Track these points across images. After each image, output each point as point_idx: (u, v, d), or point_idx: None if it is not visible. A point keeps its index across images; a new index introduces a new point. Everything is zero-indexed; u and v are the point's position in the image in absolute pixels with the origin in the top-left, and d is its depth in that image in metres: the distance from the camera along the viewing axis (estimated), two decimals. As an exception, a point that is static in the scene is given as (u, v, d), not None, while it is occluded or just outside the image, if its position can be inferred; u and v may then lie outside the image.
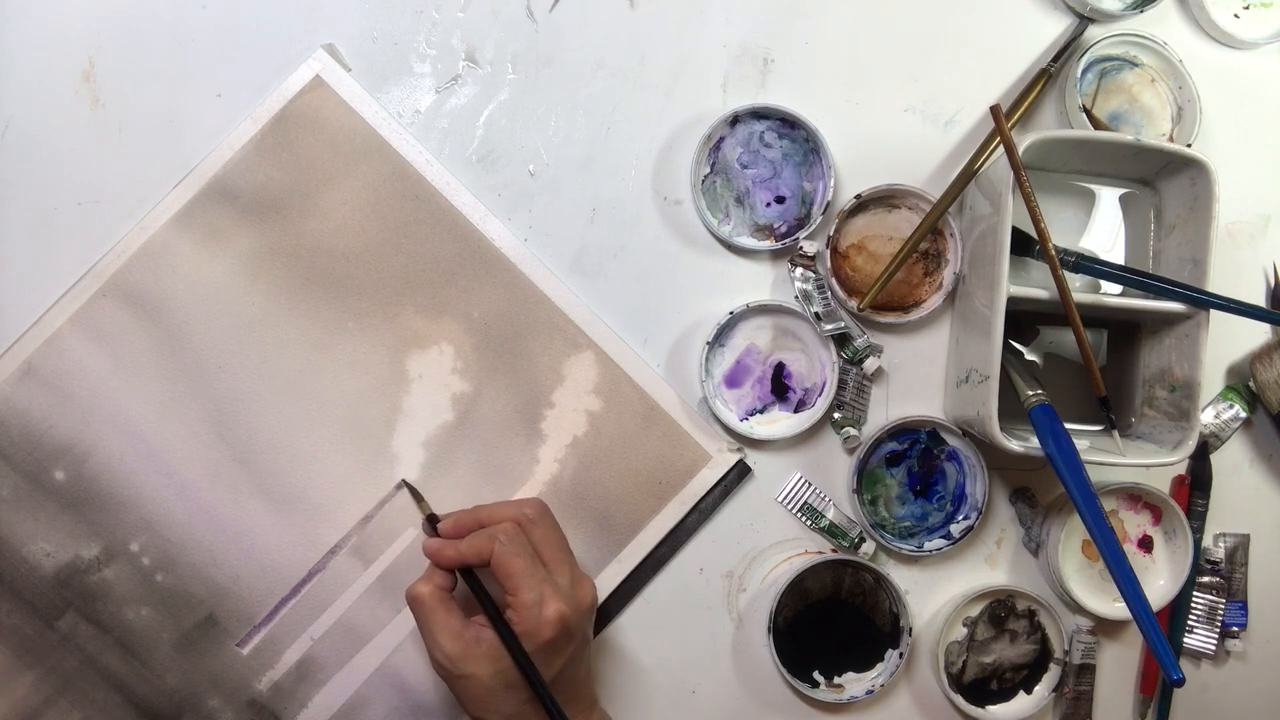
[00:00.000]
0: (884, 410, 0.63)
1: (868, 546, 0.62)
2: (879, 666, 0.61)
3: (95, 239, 0.59)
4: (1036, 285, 0.57)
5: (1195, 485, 0.64)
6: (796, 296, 0.61)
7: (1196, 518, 0.64)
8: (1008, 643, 0.62)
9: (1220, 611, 0.64)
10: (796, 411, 0.62)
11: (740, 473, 0.62)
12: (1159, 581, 0.62)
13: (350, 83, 0.60)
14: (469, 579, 0.54)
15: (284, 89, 0.60)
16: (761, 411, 0.62)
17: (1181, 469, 0.65)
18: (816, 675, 0.61)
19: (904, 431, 0.62)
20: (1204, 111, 0.63)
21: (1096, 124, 0.62)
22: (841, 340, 0.61)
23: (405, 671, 0.60)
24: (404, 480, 0.60)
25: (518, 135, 0.62)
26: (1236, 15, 0.65)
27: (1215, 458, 0.65)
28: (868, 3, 0.64)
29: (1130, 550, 0.63)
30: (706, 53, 0.63)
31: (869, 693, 0.60)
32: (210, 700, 0.59)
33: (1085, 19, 0.64)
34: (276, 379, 0.60)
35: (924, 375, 0.63)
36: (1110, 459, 0.58)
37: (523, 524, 0.54)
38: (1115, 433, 0.60)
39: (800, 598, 0.61)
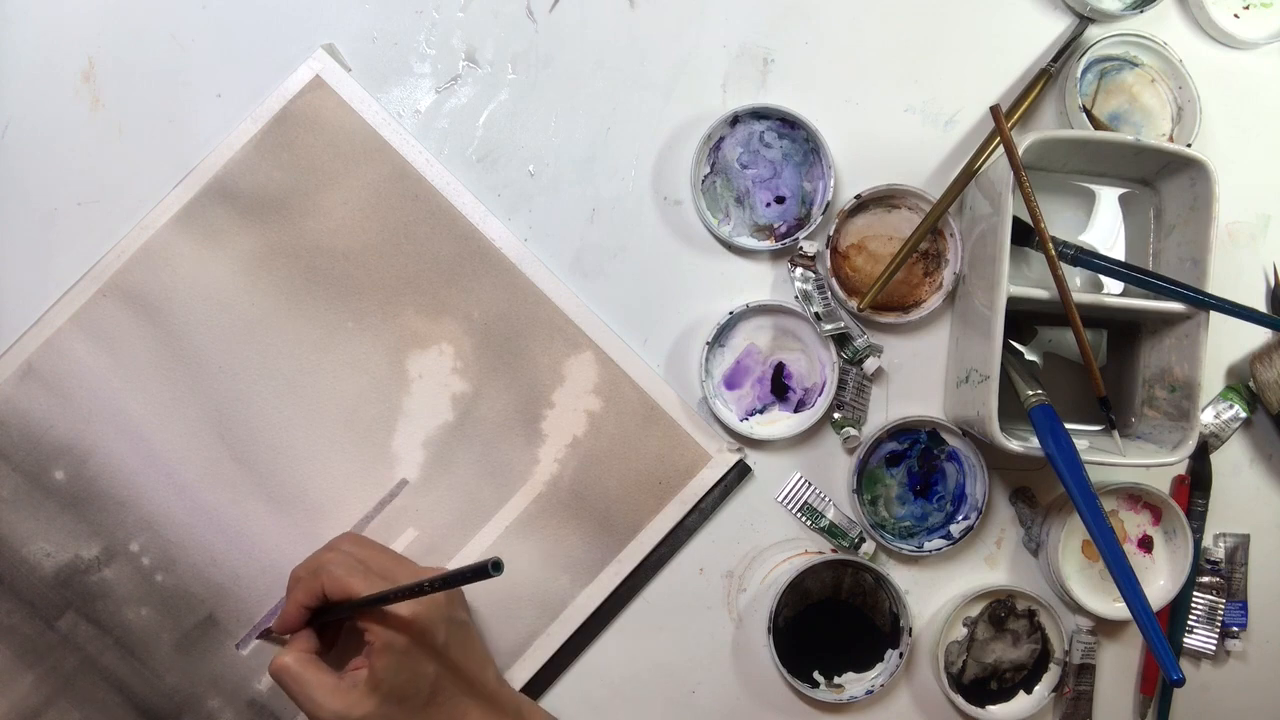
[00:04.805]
0: (884, 410, 0.63)
1: (868, 546, 0.62)
2: (879, 666, 0.61)
3: (95, 239, 0.59)
4: (1036, 285, 0.57)
5: (1195, 485, 0.64)
6: (796, 296, 0.61)
7: (1196, 518, 0.64)
8: (1008, 643, 0.62)
9: (1220, 611, 0.64)
10: (796, 411, 0.62)
11: (740, 473, 0.62)
12: (1159, 581, 0.62)
13: (350, 83, 0.60)
14: (327, 615, 0.53)
15: (284, 89, 0.60)
16: (761, 411, 0.62)
17: (1181, 469, 0.65)
18: (816, 675, 0.61)
19: (904, 431, 0.62)
20: (1204, 111, 0.63)
21: (1096, 124, 0.62)
22: (841, 340, 0.61)
23: (405, 671, 0.60)
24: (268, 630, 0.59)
25: (518, 135, 0.62)
26: (1236, 15, 0.65)
27: (1215, 458, 0.65)
28: (868, 3, 0.64)
29: (1130, 550, 0.62)
30: (706, 53, 0.63)
31: (869, 693, 0.60)
32: (210, 700, 0.59)
33: (1085, 19, 0.64)
34: (277, 379, 0.60)
35: (924, 375, 0.63)
36: (1110, 459, 0.58)
37: (341, 551, 0.54)
38: (1115, 433, 0.60)
39: (800, 598, 0.61)
